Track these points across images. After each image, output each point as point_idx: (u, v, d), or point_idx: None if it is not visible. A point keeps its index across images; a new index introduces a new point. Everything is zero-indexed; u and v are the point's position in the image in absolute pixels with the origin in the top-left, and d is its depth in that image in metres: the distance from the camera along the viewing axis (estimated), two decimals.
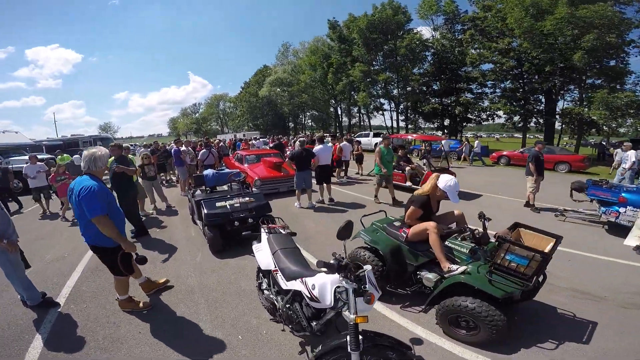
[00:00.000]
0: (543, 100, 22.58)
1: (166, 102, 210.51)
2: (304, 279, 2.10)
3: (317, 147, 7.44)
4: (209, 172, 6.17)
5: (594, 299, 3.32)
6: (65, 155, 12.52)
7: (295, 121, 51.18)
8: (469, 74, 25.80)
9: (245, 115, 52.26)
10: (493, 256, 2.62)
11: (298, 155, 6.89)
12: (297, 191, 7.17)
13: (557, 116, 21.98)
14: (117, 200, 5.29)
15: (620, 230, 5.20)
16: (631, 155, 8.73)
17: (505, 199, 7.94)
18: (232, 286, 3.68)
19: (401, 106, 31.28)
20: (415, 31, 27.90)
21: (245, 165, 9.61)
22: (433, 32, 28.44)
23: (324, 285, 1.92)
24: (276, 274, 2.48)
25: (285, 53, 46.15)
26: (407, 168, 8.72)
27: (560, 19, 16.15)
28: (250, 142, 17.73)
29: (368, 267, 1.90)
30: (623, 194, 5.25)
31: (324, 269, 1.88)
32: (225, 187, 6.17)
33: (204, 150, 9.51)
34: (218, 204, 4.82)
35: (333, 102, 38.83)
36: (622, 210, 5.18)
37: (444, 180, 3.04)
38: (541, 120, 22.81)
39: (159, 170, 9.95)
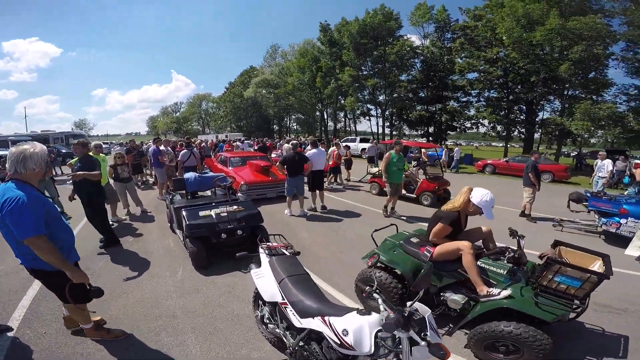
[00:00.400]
0: (525, 109, 23.26)
1: (146, 100, 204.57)
2: (327, 318, 1.67)
3: (311, 152, 6.98)
4: (190, 175, 5.62)
5: (617, 312, 3.27)
6: None
7: (280, 124, 50.60)
8: (455, 82, 26.15)
9: (229, 116, 51.13)
10: (537, 277, 2.42)
11: (290, 159, 6.43)
12: (287, 198, 6.70)
13: (537, 126, 22.71)
14: (83, 207, 4.72)
15: (617, 240, 5.32)
16: (607, 164, 8.91)
17: (500, 209, 7.81)
18: (223, 310, 3.17)
19: (387, 112, 31.44)
20: (405, 38, 28.06)
21: (230, 168, 9.02)
22: (422, 40, 28.77)
23: (360, 330, 1.51)
24: (285, 307, 2.02)
25: (274, 55, 45.64)
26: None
27: (551, 30, 16.43)
28: (234, 144, 16.80)
29: (427, 310, 1.53)
30: (624, 206, 5.34)
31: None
32: (208, 193, 5.62)
33: (185, 150, 8.83)
34: (202, 213, 4.27)
35: (320, 106, 38.52)
36: (623, 221, 5.30)
37: (479, 195, 2.72)
38: (523, 130, 23.47)
39: (134, 171, 9.16)
